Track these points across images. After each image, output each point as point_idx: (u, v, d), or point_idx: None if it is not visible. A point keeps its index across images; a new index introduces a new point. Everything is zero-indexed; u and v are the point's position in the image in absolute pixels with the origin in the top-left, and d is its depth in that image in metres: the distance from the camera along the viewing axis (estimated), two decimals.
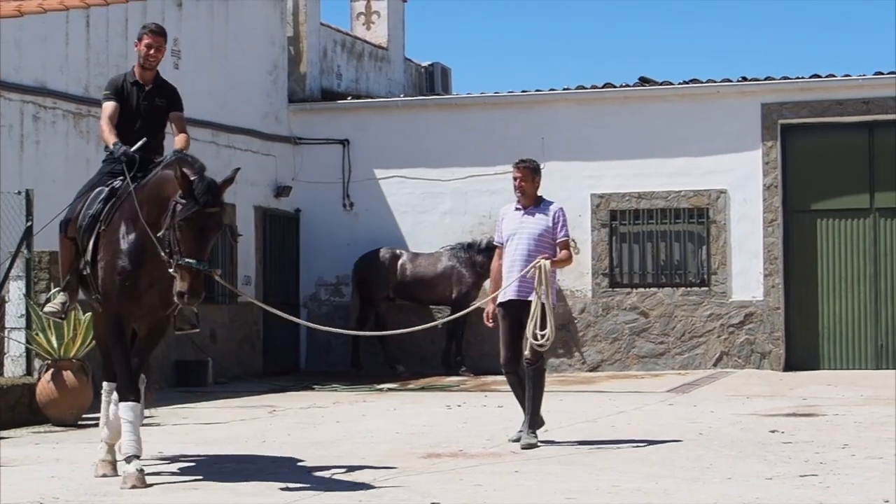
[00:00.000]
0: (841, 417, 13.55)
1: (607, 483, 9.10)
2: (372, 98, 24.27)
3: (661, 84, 22.37)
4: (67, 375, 13.91)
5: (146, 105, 10.40)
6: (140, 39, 10.40)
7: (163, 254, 9.39)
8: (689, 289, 21.65)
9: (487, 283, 22.23)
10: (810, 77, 21.44)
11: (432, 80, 26.56)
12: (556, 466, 10.09)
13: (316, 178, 22.97)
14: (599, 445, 11.43)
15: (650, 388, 18.20)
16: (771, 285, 21.28)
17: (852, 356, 21.23)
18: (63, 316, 10.61)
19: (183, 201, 9.26)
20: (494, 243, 12.14)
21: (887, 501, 8.07)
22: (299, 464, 10.58)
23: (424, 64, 26.81)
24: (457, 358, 21.76)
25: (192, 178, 9.30)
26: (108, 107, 10.27)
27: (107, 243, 9.86)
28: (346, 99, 23.75)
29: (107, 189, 10.13)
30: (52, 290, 10.78)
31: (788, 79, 21.50)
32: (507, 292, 11.81)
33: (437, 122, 23.00)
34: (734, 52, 57.35)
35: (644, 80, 22.71)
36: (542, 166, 12.36)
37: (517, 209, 11.90)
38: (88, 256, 9.94)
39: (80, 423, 13.81)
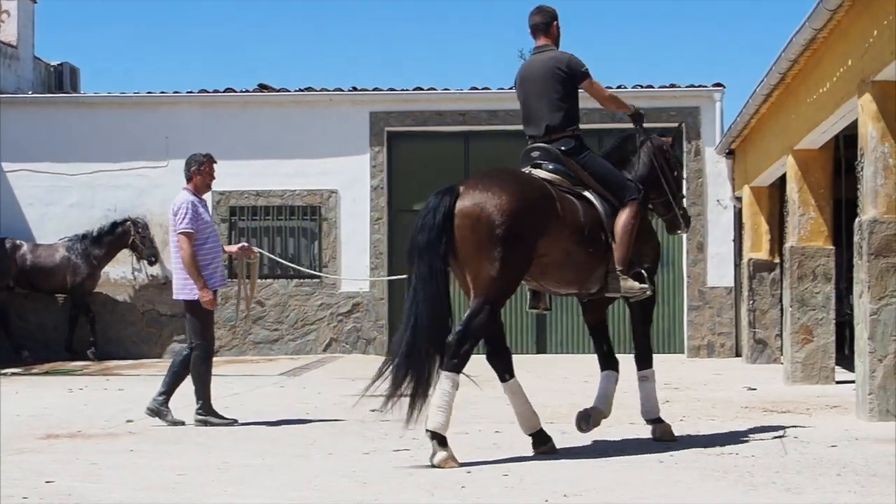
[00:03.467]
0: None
1: (217, 460, 9.01)
2: (1, 94, 23.30)
3: (278, 91, 22.41)
4: None
5: None
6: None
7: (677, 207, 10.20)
8: (302, 280, 21.77)
9: (108, 272, 21.81)
10: (414, 89, 21.90)
11: (61, 79, 25.70)
12: (169, 445, 9.92)
13: None
14: (213, 425, 11.29)
15: (264, 371, 18.20)
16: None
17: None
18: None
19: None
20: (189, 230, 11.29)
21: (469, 471, 8.29)
22: None
23: (54, 63, 25.91)
24: (90, 340, 21.15)
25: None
26: None
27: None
28: None
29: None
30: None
31: (395, 90, 21.92)
32: (217, 281, 11.61)
33: (65, 118, 22.33)
34: (347, 64, 58.11)
35: (263, 87, 22.70)
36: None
37: (201, 201, 11.64)
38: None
39: None
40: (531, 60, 9.67)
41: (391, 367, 8.81)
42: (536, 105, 9.54)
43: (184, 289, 11.43)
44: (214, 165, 11.77)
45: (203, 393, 11.37)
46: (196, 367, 11.37)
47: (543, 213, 8.88)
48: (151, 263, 21.51)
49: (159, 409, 11.30)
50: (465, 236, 8.74)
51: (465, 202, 8.76)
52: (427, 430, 8.67)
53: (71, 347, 21.17)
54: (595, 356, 10.00)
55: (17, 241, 21.32)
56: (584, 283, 9.39)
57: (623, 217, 9.30)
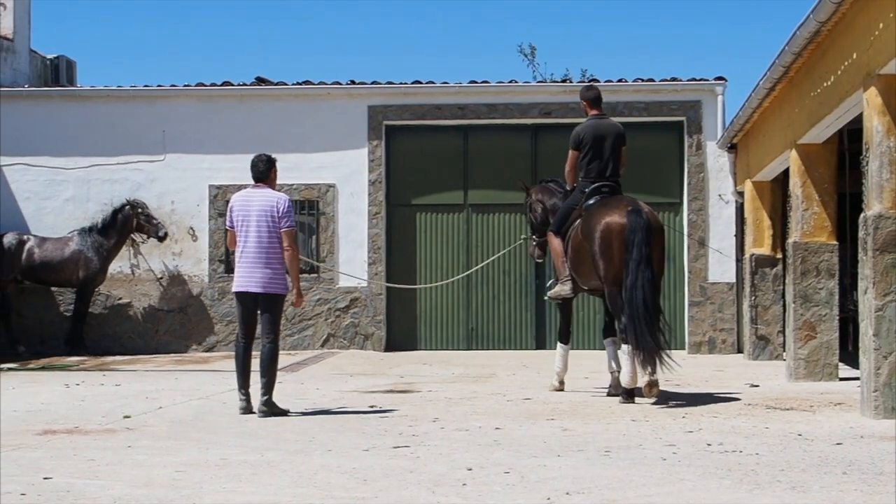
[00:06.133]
0: (433, 393, 13.82)
1: (216, 456, 8.96)
2: None
3: (276, 84, 22.36)
4: None
5: None
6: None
7: None
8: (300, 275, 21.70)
9: (115, 267, 21.79)
10: (412, 83, 21.85)
11: (57, 73, 25.64)
12: (168, 441, 9.87)
13: None
14: (211, 421, 11.26)
15: None
16: (374, 273, 21.58)
17: (446, 338, 21.79)
18: None
19: None
20: (295, 228, 11.75)
21: (470, 469, 8.24)
22: None
23: (50, 56, 25.86)
24: (81, 336, 21.11)
25: None
26: None
27: None
28: None
29: None
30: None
31: (393, 84, 21.86)
32: None
33: (61, 112, 22.28)
34: (344, 57, 58.04)
35: (260, 80, 22.64)
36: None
37: None
38: None
39: None
40: (602, 123, 13.26)
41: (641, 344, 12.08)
42: (604, 156, 13.10)
43: (277, 284, 11.67)
44: None
45: (273, 384, 11.70)
46: (273, 358, 11.67)
47: None
48: (162, 239, 21.38)
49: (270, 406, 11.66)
50: (658, 242, 12.49)
51: (652, 220, 12.44)
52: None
53: (72, 342, 21.09)
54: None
55: (24, 236, 21.29)
56: None
57: None
